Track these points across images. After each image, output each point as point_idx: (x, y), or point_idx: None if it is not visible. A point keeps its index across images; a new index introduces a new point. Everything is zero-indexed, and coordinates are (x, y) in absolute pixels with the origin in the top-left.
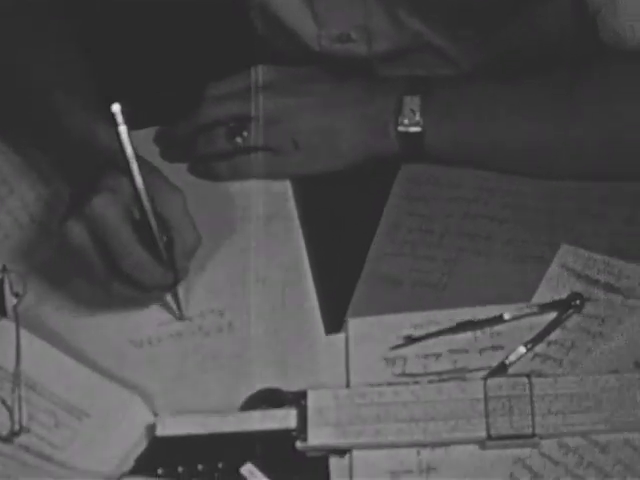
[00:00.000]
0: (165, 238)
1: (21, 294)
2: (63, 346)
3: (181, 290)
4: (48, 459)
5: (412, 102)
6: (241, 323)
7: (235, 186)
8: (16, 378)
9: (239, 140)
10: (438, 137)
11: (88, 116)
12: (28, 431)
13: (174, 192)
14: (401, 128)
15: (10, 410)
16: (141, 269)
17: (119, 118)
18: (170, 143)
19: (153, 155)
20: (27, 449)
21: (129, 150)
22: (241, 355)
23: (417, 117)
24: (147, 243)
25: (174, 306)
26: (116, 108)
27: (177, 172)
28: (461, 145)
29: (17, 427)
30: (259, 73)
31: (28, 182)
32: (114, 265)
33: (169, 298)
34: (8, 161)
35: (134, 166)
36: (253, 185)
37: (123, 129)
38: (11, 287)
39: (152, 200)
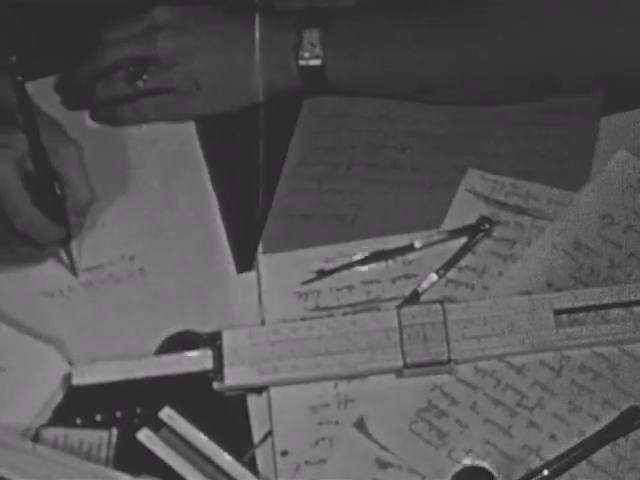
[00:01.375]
0: (59, 193)
1: None
2: None
3: (75, 245)
4: None
5: (311, 35)
6: (152, 268)
7: (139, 130)
8: None
9: (140, 83)
10: (339, 69)
11: None
12: None
13: (70, 146)
14: (302, 62)
15: None
16: (33, 227)
17: (14, 69)
18: (70, 90)
19: (54, 104)
20: None
21: (25, 102)
22: (154, 299)
23: (317, 50)
24: (40, 199)
25: (67, 261)
26: (12, 59)
27: (80, 120)
28: (362, 75)
29: None
30: (156, 14)
31: None
32: (5, 223)
33: (63, 254)
34: None
35: (29, 119)
36: (157, 128)
37: (19, 80)
38: None
39: (46, 155)
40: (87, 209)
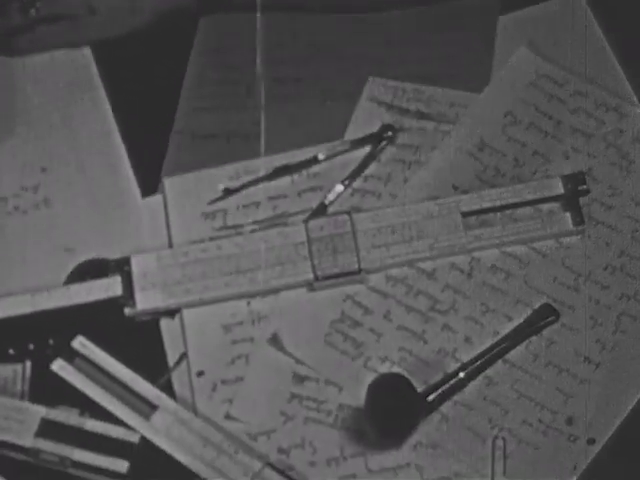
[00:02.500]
0: None
1: None
2: None
3: None
4: None
5: None
6: (56, 197)
7: (35, 59)
8: None
9: (33, 12)
10: None
11: None
12: None
13: None
14: None
15: None
16: None
17: None
18: None
19: None
20: None
21: None
22: (60, 229)
23: None
24: None
25: None
26: None
27: None
28: None
29: None
30: None
31: None
32: None
33: None
34: None
35: None
36: (53, 56)
37: None
38: None
39: None
40: None
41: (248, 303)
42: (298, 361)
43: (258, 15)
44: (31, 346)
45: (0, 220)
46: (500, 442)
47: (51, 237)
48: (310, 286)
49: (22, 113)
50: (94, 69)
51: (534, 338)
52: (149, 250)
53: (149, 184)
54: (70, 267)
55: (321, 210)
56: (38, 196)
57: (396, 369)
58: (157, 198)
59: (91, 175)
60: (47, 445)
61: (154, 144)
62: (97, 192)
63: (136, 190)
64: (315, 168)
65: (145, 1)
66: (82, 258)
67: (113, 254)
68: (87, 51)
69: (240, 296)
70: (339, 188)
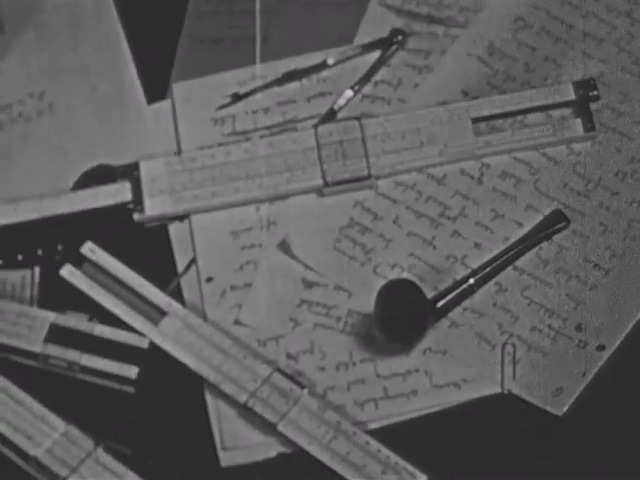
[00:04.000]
0: None
1: None
2: None
3: None
4: None
5: None
6: (62, 104)
7: None
8: None
9: None
10: None
11: None
12: None
13: None
14: None
15: None
16: None
17: None
18: None
19: None
20: None
21: None
22: (66, 136)
23: None
24: None
25: None
26: None
27: None
28: None
29: None
30: None
31: None
32: None
33: None
34: None
35: None
36: None
37: None
38: None
39: None
40: None
41: (257, 209)
42: (307, 267)
43: None
44: (39, 252)
45: (5, 127)
46: (510, 348)
47: (57, 144)
48: (319, 192)
49: (28, 17)
50: None
51: (544, 244)
52: (157, 156)
53: (157, 90)
54: (77, 173)
55: (330, 115)
56: (44, 103)
57: (405, 275)
58: (165, 104)
59: (97, 80)
60: (56, 350)
61: (161, 50)
62: (103, 98)
63: (142, 96)
64: (324, 73)
65: None
66: (89, 164)
67: (120, 161)
68: None
69: (249, 202)
70: (348, 93)
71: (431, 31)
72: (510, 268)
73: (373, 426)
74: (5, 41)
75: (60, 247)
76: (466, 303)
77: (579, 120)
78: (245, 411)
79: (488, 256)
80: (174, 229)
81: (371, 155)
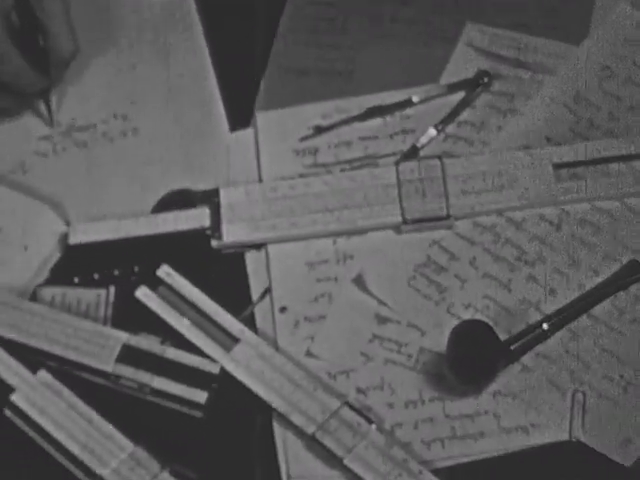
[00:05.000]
0: (42, 45)
1: None
2: None
3: (54, 97)
4: None
5: None
6: (145, 126)
7: None
8: None
9: None
10: None
11: None
12: None
13: None
14: None
15: None
16: (18, 77)
17: None
18: None
19: None
20: None
21: None
22: (148, 158)
23: None
24: (25, 50)
25: (45, 112)
26: None
27: None
28: None
29: None
30: None
31: None
32: None
33: (41, 105)
34: None
35: None
36: None
37: None
38: None
39: (30, 6)
40: (69, 61)
41: (334, 242)
42: (381, 302)
43: None
44: (116, 272)
45: (89, 146)
46: (580, 396)
47: (139, 166)
48: (397, 229)
49: (116, 40)
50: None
51: (620, 294)
52: (238, 184)
53: (240, 118)
54: (157, 196)
55: (412, 153)
56: (127, 124)
57: (479, 316)
58: (248, 132)
59: (182, 105)
60: (127, 371)
61: (247, 78)
62: (187, 123)
63: (226, 123)
64: (408, 111)
65: None
66: (169, 188)
67: (200, 186)
68: None
69: (327, 234)
70: (432, 132)
71: (517, 75)
72: (584, 316)
73: (439, 465)
74: (90, 61)
75: (137, 269)
76: (538, 348)
77: None
78: (312, 443)
79: (563, 302)
80: (250, 257)
81: (451, 195)
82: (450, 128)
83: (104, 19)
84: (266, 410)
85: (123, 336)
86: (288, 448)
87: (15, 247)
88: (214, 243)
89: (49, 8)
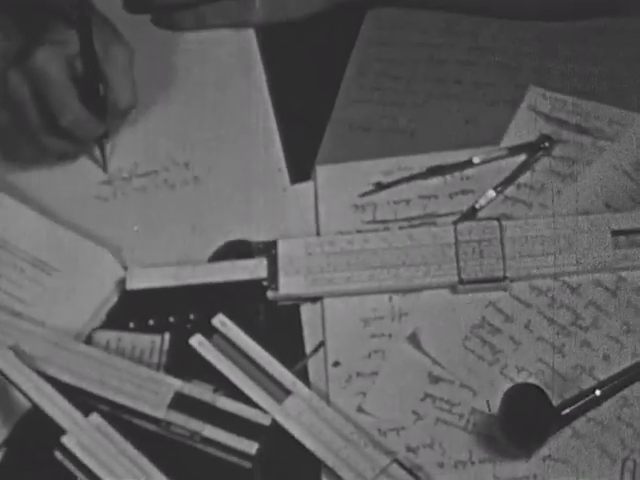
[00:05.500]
0: (102, 92)
1: None
2: (29, 201)
3: (109, 145)
4: (19, 315)
5: None
6: (206, 175)
7: (198, 35)
8: None
9: None
10: None
11: None
12: None
13: (120, 47)
14: None
15: None
16: (77, 124)
17: None
18: None
19: (116, 6)
20: None
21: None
22: (208, 207)
23: None
24: (85, 97)
25: (100, 159)
26: None
27: (142, 23)
28: None
29: None
30: None
31: None
32: (50, 118)
33: (96, 152)
34: None
35: (83, 17)
36: (217, 34)
37: None
38: None
39: (95, 55)
40: (126, 113)
41: (390, 298)
42: (434, 361)
43: (424, 13)
44: (171, 319)
45: (150, 192)
46: (630, 464)
47: (198, 214)
48: (453, 288)
49: (181, 88)
50: (256, 51)
51: None
52: (296, 236)
53: (301, 171)
54: (215, 245)
55: (471, 214)
56: (189, 172)
57: (532, 380)
58: (308, 185)
59: (243, 156)
60: (179, 418)
61: (309, 132)
62: (248, 173)
63: (286, 176)
64: (469, 171)
65: None
66: (228, 237)
67: (258, 237)
68: (251, 32)
69: (382, 291)
70: (491, 194)
71: (579, 141)
72: (638, 383)
73: None
74: (155, 109)
75: (192, 316)
76: (590, 414)
77: None
78: None
79: (616, 369)
80: (306, 310)
81: (508, 257)
82: (509, 190)
83: (170, 67)
84: (315, 464)
85: (176, 383)
86: None
87: (73, 289)
88: (270, 294)
89: (114, 58)
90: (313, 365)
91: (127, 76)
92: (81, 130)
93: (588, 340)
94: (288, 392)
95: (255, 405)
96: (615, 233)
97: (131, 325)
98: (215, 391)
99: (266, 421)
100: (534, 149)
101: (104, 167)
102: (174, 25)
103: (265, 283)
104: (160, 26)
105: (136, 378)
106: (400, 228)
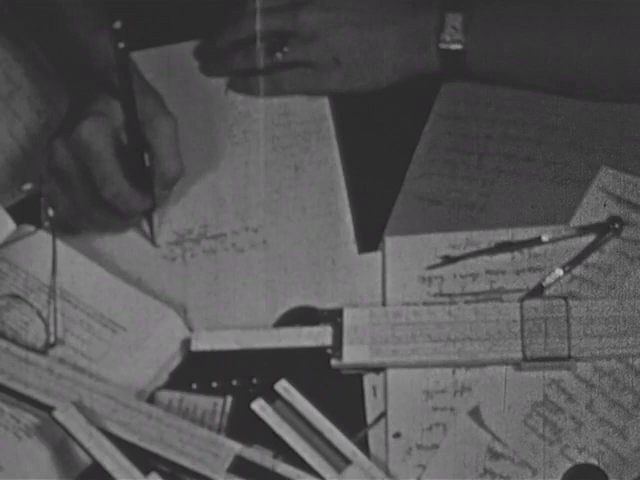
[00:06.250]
0: (148, 164)
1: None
2: (98, 258)
3: (157, 216)
4: (83, 371)
5: (454, 19)
6: (275, 240)
7: (272, 101)
8: (52, 290)
9: (279, 55)
10: (479, 55)
11: (94, 29)
12: (63, 343)
13: (165, 118)
14: (442, 45)
15: (45, 322)
16: (120, 197)
17: (118, 36)
18: (209, 57)
19: (192, 69)
20: (62, 361)
21: (124, 70)
22: (275, 272)
23: (459, 34)
24: (130, 168)
25: (148, 231)
26: (117, 25)
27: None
28: (502, 64)
29: (52, 339)
30: None
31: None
32: (95, 191)
33: (144, 224)
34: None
35: (127, 88)
36: (291, 101)
37: (120, 47)
38: (47, 198)
39: (140, 125)
40: (173, 183)
41: (453, 372)
42: (495, 437)
43: (498, 88)
44: (234, 382)
45: (218, 255)
46: None
47: (265, 279)
48: (517, 365)
49: (250, 153)
50: (329, 119)
51: None
52: (361, 305)
53: (369, 241)
54: (281, 309)
55: (538, 291)
56: (257, 237)
57: (593, 461)
58: (376, 255)
59: (312, 223)
60: None
61: (379, 202)
62: (316, 240)
63: (354, 245)
64: (537, 249)
65: (389, 59)
66: (293, 303)
67: (324, 304)
68: (325, 100)
69: (446, 364)
70: (558, 272)
71: None
72: None
73: None
74: (224, 171)
75: (255, 380)
76: None
77: None
78: None
79: None
80: (369, 379)
81: (573, 336)
82: (577, 270)
83: (244, 131)
84: None
85: (236, 447)
86: None
87: (138, 348)
88: (334, 362)
89: (158, 129)
90: (374, 435)
91: (173, 145)
92: (124, 203)
93: None
94: (348, 461)
95: (315, 473)
96: None
97: (194, 386)
98: (275, 457)
99: None
100: (603, 230)
101: (152, 239)
102: (251, 90)
103: (329, 351)
104: (237, 90)
105: (197, 440)
106: (466, 302)
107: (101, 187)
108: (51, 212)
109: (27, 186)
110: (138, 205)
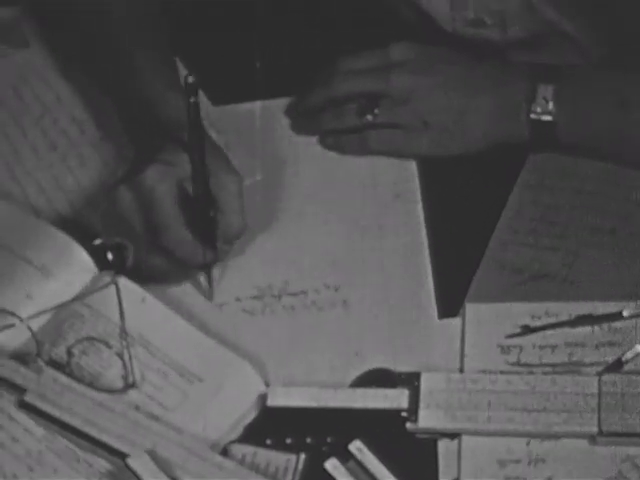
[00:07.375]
0: (212, 217)
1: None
2: (177, 307)
3: (216, 271)
4: (157, 419)
5: (546, 90)
6: (355, 300)
7: (361, 161)
8: (122, 332)
9: (369, 117)
10: (569, 127)
11: (164, 83)
12: (139, 389)
13: (231, 175)
14: (533, 116)
15: (124, 363)
16: (179, 246)
17: (191, 90)
18: (299, 115)
19: (283, 127)
20: (137, 408)
21: (195, 124)
22: (353, 332)
23: (550, 106)
24: (193, 220)
25: (206, 286)
26: (190, 79)
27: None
28: (592, 137)
29: (131, 379)
30: (394, 51)
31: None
32: (155, 238)
33: (202, 278)
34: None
35: (197, 141)
36: (379, 162)
37: (192, 102)
38: (108, 243)
39: (207, 179)
40: (235, 238)
41: (528, 443)
42: None
43: (585, 160)
44: (309, 439)
45: (297, 311)
46: None
47: (343, 337)
48: (592, 439)
49: (335, 212)
50: (416, 182)
51: None
52: (438, 370)
53: (449, 306)
54: (357, 369)
55: (617, 366)
56: (338, 296)
57: None
58: (455, 321)
59: (393, 285)
60: None
61: (461, 268)
62: (396, 303)
63: (435, 309)
64: (618, 323)
65: (479, 126)
66: (370, 364)
67: (401, 367)
68: (412, 163)
69: (521, 434)
70: (638, 348)
71: None
72: None
73: None
74: (305, 227)
75: (329, 439)
76: None
77: None
78: None
79: None
80: (443, 445)
81: None
82: None
83: (330, 188)
84: None
85: None
86: None
87: (213, 399)
88: (409, 426)
89: (224, 184)
90: None
91: (238, 201)
92: (184, 253)
93: None
94: None
95: None
96: None
97: (268, 442)
98: None
99: None
100: None
101: (209, 295)
102: (339, 148)
103: (405, 414)
104: (326, 148)
105: None
106: (544, 373)
107: (161, 233)
108: (110, 256)
109: (97, 241)
110: (199, 257)
